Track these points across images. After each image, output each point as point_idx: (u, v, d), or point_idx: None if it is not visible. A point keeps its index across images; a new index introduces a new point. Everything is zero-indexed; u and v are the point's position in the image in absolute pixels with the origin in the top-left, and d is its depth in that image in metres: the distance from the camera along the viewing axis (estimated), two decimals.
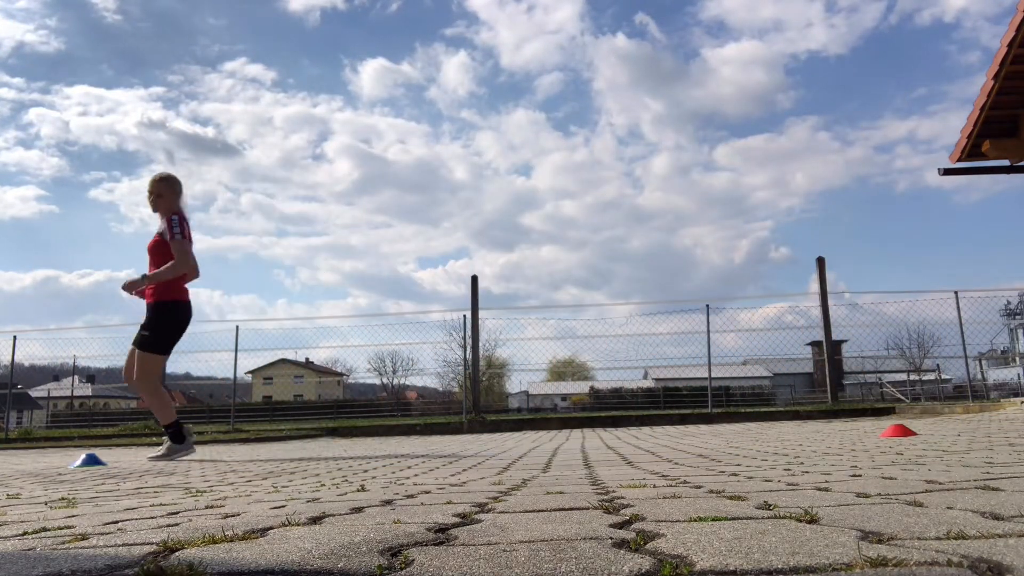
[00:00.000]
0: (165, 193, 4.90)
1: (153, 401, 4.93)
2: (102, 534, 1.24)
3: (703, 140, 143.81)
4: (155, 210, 4.93)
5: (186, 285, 5.03)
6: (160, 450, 5.00)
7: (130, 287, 4.78)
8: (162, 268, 4.71)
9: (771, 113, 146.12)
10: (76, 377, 41.94)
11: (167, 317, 4.82)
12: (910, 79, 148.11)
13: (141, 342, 4.80)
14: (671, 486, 1.80)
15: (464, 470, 2.84)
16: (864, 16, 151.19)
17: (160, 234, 4.83)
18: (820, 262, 12.53)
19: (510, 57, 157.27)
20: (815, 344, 16.17)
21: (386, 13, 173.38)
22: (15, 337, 14.37)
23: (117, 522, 1.42)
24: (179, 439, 4.94)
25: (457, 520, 1.27)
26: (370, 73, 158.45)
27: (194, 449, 5.13)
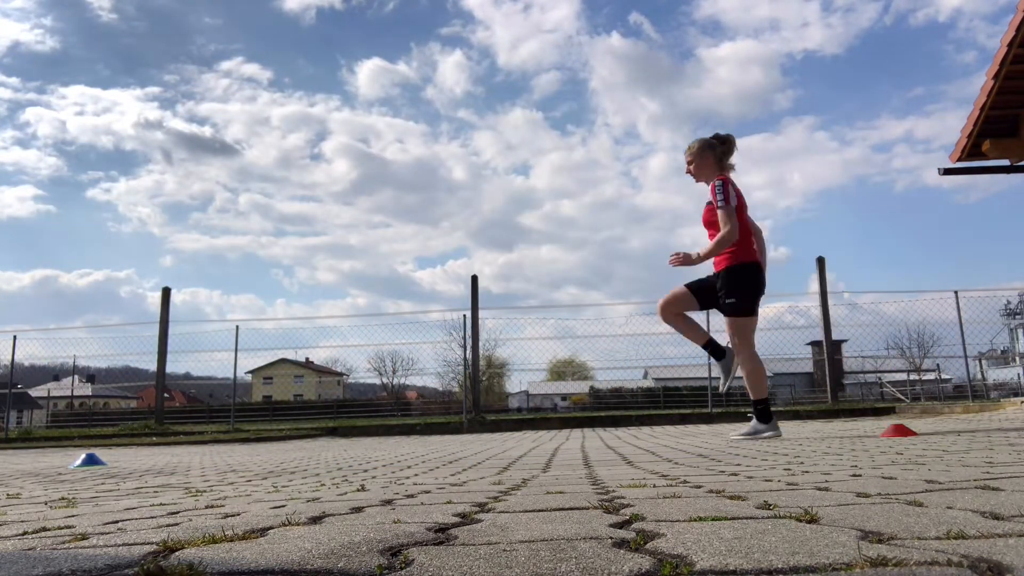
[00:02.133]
0: (697, 160, 4.72)
1: (748, 367, 4.67)
2: (102, 534, 1.24)
3: None
4: (697, 180, 4.77)
5: (762, 255, 4.84)
6: (746, 428, 4.77)
7: (684, 261, 4.64)
8: (715, 240, 4.54)
9: (768, 113, 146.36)
10: (76, 377, 41.93)
11: (744, 278, 4.60)
12: (907, 79, 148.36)
13: (728, 310, 4.62)
14: (671, 486, 1.80)
15: (464, 470, 2.84)
16: (860, 16, 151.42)
17: (709, 203, 4.64)
18: (820, 262, 12.53)
19: (507, 56, 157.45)
20: (815, 344, 16.18)
21: (382, 13, 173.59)
22: (15, 337, 14.39)
23: (117, 522, 1.42)
24: (766, 418, 4.64)
25: (457, 520, 1.27)
26: (367, 73, 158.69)
27: (780, 433, 4.77)
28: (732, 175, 4.77)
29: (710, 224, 4.69)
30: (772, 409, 4.71)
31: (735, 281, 4.60)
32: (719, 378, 4.91)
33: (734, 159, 4.80)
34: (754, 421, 4.68)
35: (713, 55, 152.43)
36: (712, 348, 4.78)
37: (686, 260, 4.61)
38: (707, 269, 4.85)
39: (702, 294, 4.79)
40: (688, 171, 4.80)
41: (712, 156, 4.71)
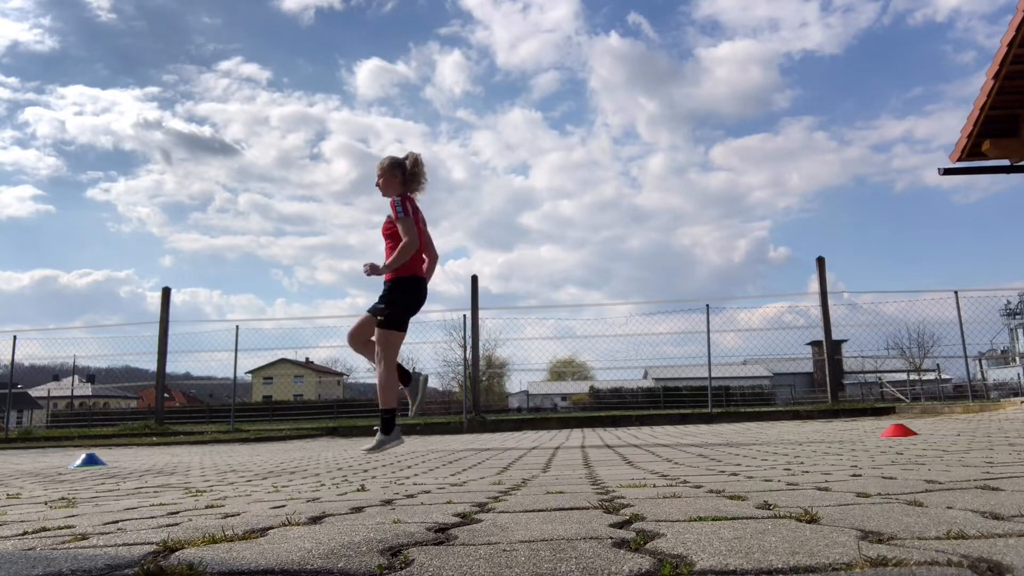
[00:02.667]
0: (383, 176, 4.90)
1: (384, 377, 4.80)
2: (102, 534, 1.24)
3: (699, 140, 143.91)
4: (383, 194, 4.92)
5: (429, 271, 5.05)
6: (372, 441, 4.90)
7: (373, 271, 4.76)
8: (397, 250, 4.68)
9: (767, 113, 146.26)
10: (76, 377, 41.91)
11: (403, 293, 4.79)
12: (906, 79, 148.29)
13: (381, 320, 4.75)
14: (671, 486, 1.80)
15: (464, 470, 2.84)
16: (860, 16, 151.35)
17: (389, 217, 4.81)
18: (820, 262, 12.53)
19: (506, 56, 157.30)
20: (815, 344, 16.17)
21: (381, 12, 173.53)
22: (15, 337, 14.38)
23: (117, 522, 1.42)
24: (389, 428, 4.83)
25: (457, 520, 1.27)
26: (366, 73, 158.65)
27: (403, 440, 5.02)
28: (419, 195, 5.01)
29: (390, 236, 4.86)
30: (394, 421, 4.88)
31: (395, 293, 4.78)
32: (411, 403, 5.06)
33: (423, 182, 5.01)
34: (379, 433, 4.86)
35: (712, 55, 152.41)
36: (389, 417, 4.88)
37: (374, 270, 4.75)
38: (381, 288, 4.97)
39: None
40: (377, 184, 4.97)
41: (400, 175, 4.91)
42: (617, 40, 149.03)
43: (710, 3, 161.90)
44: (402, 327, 4.82)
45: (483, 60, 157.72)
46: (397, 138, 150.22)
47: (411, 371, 5.08)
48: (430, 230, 5.09)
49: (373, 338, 4.87)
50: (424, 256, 5.00)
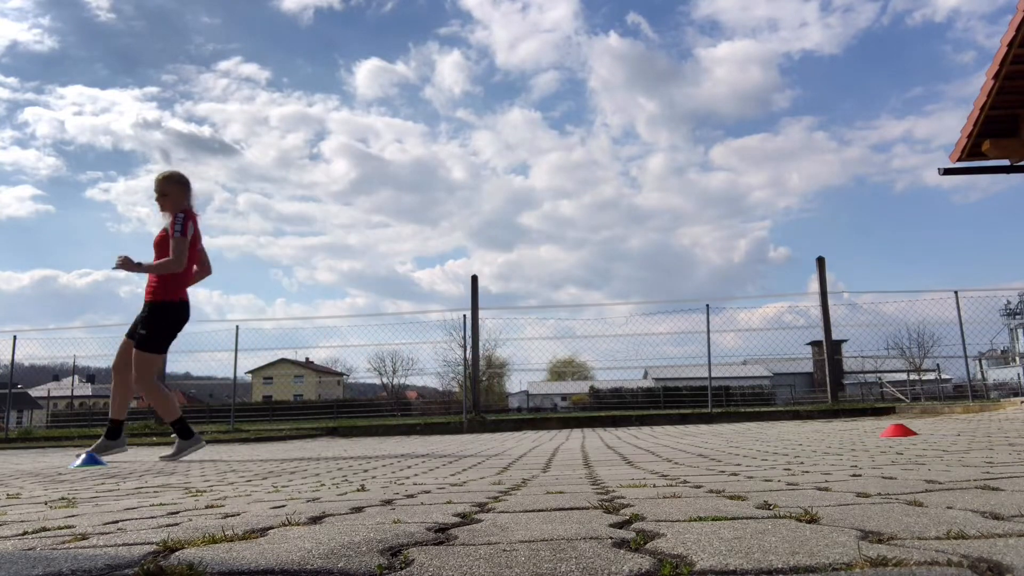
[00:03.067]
0: (171, 192, 4.89)
1: (153, 399, 4.96)
2: (102, 534, 1.24)
3: (699, 140, 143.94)
4: (163, 209, 4.90)
5: (195, 281, 5.06)
6: (171, 449, 5.04)
7: (124, 265, 4.70)
8: (159, 262, 4.71)
9: (767, 113, 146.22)
10: (76, 377, 41.96)
11: (163, 317, 4.81)
12: (906, 79, 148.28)
13: (138, 341, 4.79)
14: (671, 486, 1.80)
15: (464, 470, 2.84)
16: (859, 16, 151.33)
17: (165, 230, 4.82)
18: (820, 262, 12.53)
19: (505, 56, 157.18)
20: (815, 344, 16.17)
21: (380, 12, 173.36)
22: (15, 337, 14.38)
23: (117, 522, 1.42)
24: (186, 435, 4.96)
25: (457, 520, 1.27)
26: (365, 73, 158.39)
27: (203, 443, 5.16)
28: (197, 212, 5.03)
29: (160, 247, 4.85)
30: (187, 427, 4.98)
31: (156, 317, 4.79)
32: (175, 454, 5.01)
33: (195, 200, 5.05)
34: (177, 440, 4.96)
35: (711, 55, 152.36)
36: (181, 425, 4.97)
37: (127, 264, 4.71)
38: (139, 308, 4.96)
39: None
40: (157, 199, 4.94)
41: (184, 191, 4.94)
42: (616, 40, 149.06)
43: (709, 3, 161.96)
44: (163, 350, 4.88)
45: (482, 60, 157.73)
46: (397, 138, 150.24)
47: (193, 433, 5.10)
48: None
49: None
50: (193, 277, 5.03)
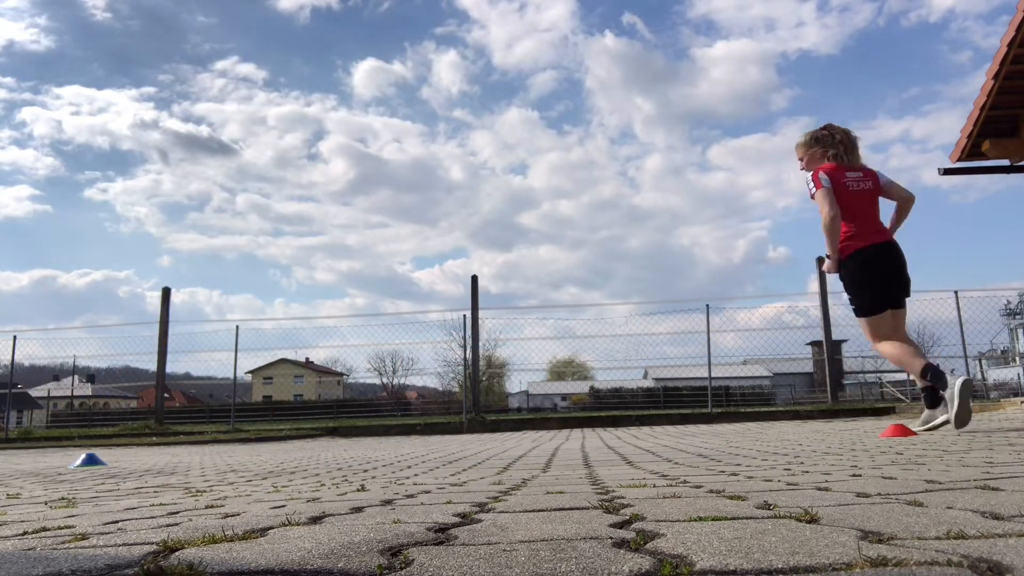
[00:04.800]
0: (801, 152, 4.55)
1: (892, 358, 4.27)
2: (102, 534, 1.24)
3: (696, 140, 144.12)
4: (804, 170, 4.52)
5: (904, 217, 4.46)
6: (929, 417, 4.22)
7: (828, 269, 4.38)
8: (826, 230, 4.24)
9: (764, 113, 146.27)
10: (76, 377, 41.89)
11: (845, 278, 4.34)
12: (903, 79, 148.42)
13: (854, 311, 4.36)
14: (671, 486, 1.80)
15: (464, 470, 2.84)
16: (856, 16, 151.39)
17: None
18: (820, 262, 12.53)
19: (502, 56, 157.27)
20: (815, 344, 16.16)
21: (377, 12, 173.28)
22: (15, 337, 14.38)
23: (117, 522, 1.42)
24: (934, 402, 4.09)
25: (457, 520, 1.27)
26: (363, 73, 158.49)
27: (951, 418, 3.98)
28: None
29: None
30: (936, 392, 4.06)
31: (844, 278, 4.38)
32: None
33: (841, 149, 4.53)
34: (926, 411, 4.24)
35: (707, 55, 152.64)
36: (930, 386, 4.12)
37: (829, 264, 4.35)
38: None
39: None
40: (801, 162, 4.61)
41: (807, 151, 4.55)
42: (612, 40, 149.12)
43: (705, 3, 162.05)
44: (868, 312, 4.30)
45: (479, 60, 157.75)
46: (395, 138, 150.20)
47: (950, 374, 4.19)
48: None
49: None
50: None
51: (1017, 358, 33.65)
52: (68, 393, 39.33)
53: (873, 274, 4.26)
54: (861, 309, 4.31)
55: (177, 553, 0.99)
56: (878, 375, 20.76)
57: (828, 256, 4.32)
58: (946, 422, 4.03)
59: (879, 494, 1.44)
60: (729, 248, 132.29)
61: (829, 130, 4.50)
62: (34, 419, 36.16)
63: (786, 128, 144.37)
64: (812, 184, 4.30)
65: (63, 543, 1.14)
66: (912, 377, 4.43)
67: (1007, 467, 1.98)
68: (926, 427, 4.20)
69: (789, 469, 2.22)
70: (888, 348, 4.24)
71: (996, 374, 33.53)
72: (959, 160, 9.36)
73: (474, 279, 12.51)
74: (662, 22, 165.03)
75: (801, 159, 4.59)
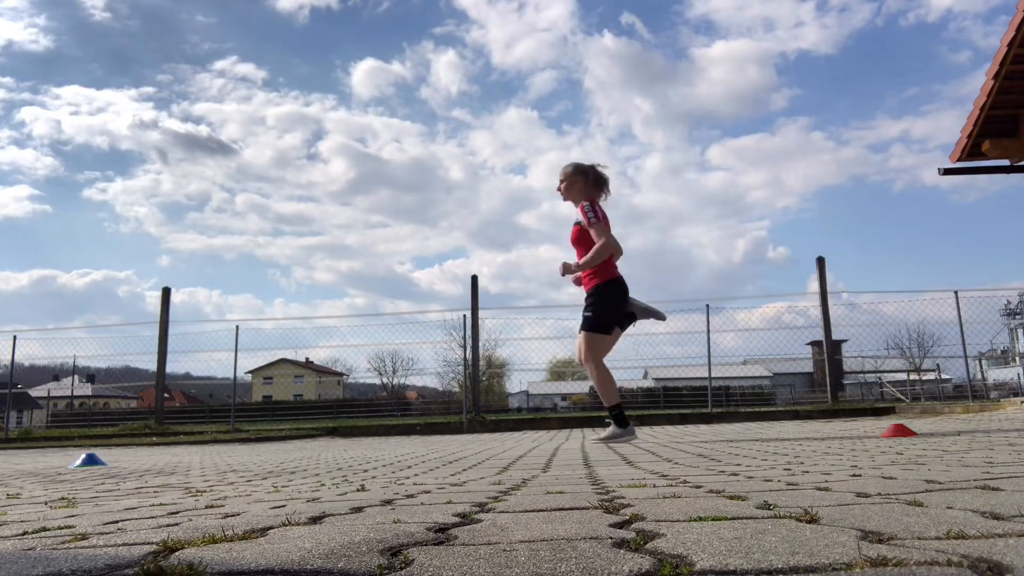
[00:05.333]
0: (572, 180, 4.98)
1: (597, 379, 4.88)
2: (102, 534, 1.24)
3: (695, 140, 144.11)
4: (565, 199, 5.01)
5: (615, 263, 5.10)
6: (604, 432, 4.95)
7: (565, 270, 4.86)
8: (591, 252, 4.74)
9: (764, 113, 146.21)
10: (76, 377, 41.91)
11: (604, 298, 4.82)
12: (902, 79, 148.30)
13: (585, 323, 4.81)
14: (671, 486, 1.80)
15: (464, 470, 2.84)
16: (855, 16, 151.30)
17: (578, 223, 4.88)
18: (820, 262, 12.53)
19: (501, 56, 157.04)
20: (815, 344, 16.17)
21: (375, 12, 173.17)
22: (15, 337, 14.38)
23: (117, 522, 1.42)
24: (622, 423, 4.85)
25: (457, 520, 1.27)
26: (362, 72, 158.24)
27: (635, 435, 5.03)
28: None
29: (580, 241, 4.91)
30: (624, 416, 4.87)
31: (602, 299, 4.82)
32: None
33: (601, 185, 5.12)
34: (612, 427, 4.90)
35: (706, 55, 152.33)
36: (619, 412, 4.86)
37: (570, 268, 4.84)
38: None
39: None
40: (560, 191, 5.07)
41: (582, 179, 4.99)
42: (611, 40, 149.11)
43: (703, 3, 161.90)
44: (607, 330, 4.86)
45: (478, 59, 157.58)
46: (394, 138, 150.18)
47: (629, 423, 4.99)
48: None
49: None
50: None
51: (1017, 358, 33.65)
52: (68, 393, 39.35)
53: (623, 301, 4.91)
54: (603, 326, 4.82)
55: (177, 553, 0.99)
56: (878, 375, 20.76)
57: (575, 266, 4.83)
58: (624, 440, 4.83)
59: (879, 494, 1.44)
60: (729, 248, 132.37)
61: (592, 169, 5.08)
62: (34, 419, 36.17)
63: (786, 128, 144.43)
64: (593, 214, 4.79)
65: (63, 543, 1.14)
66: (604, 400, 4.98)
67: (1007, 467, 1.98)
68: (606, 438, 4.82)
69: (789, 469, 2.22)
70: (603, 370, 4.87)
71: (996, 374, 33.55)
72: (959, 160, 9.36)
73: (474, 279, 12.52)
74: (661, 22, 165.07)
75: (562, 183, 5.05)
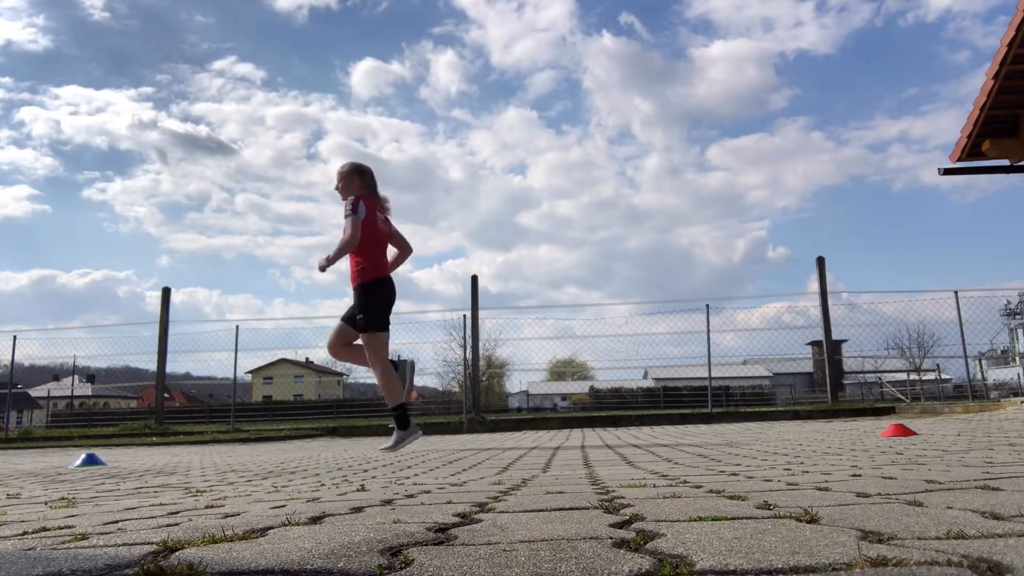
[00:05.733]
0: (346, 179, 5.01)
1: (382, 380, 4.90)
2: (102, 534, 1.24)
3: (695, 140, 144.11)
4: (343, 198, 5.01)
5: (399, 263, 5.22)
6: (389, 440, 4.95)
7: (322, 264, 4.90)
8: (338, 244, 4.78)
9: (763, 113, 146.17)
10: (76, 377, 41.90)
11: (374, 295, 4.85)
12: (901, 79, 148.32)
13: (362, 326, 4.83)
14: (671, 486, 1.80)
15: (464, 470, 2.84)
16: (854, 15, 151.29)
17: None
18: (820, 262, 12.52)
19: (500, 55, 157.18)
20: (815, 344, 16.16)
21: (374, 12, 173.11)
22: (15, 337, 14.37)
23: (117, 522, 1.42)
24: (404, 424, 4.88)
25: (457, 520, 1.27)
26: (361, 72, 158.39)
27: (420, 433, 5.07)
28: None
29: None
30: (407, 416, 4.93)
31: (369, 297, 4.84)
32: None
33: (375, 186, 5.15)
34: (396, 431, 4.90)
35: (705, 55, 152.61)
36: (401, 413, 4.92)
37: (325, 262, 4.88)
38: None
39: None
40: (336, 188, 5.11)
41: (351, 179, 5.03)
42: (611, 40, 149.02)
43: (702, 2, 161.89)
44: (384, 328, 4.90)
45: (478, 59, 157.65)
46: (394, 137, 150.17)
47: (396, 359, 5.13)
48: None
49: (357, 342, 4.97)
50: (386, 254, 5.08)
51: (1017, 358, 33.65)
52: (68, 393, 39.33)
53: (391, 300, 4.97)
54: (379, 325, 4.87)
55: (177, 553, 0.99)
56: (878, 375, 20.76)
57: (328, 259, 4.89)
58: (411, 441, 4.93)
59: (879, 494, 1.44)
60: (728, 248, 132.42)
61: (369, 170, 5.13)
62: (34, 419, 36.16)
63: (785, 128, 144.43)
64: (352, 207, 4.79)
65: (63, 543, 1.14)
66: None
67: (1007, 467, 1.98)
68: (393, 445, 4.87)
69: (789, 469, 2.22)
70: (388, 368, 4.90)
71: (996, 374, 33.54)
72: (959, 160, 9.36)
73: (474, 279, 12.52)
74: (660, 22, 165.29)
75: (340, 182, 5.07)
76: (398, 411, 4.87)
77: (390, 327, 4.94)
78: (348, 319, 4.96)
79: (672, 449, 3.85)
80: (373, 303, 4.84)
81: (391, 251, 5.15)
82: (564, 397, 42.30)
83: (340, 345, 5.03)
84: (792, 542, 0.93)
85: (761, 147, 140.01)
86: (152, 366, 13.60)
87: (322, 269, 4.94)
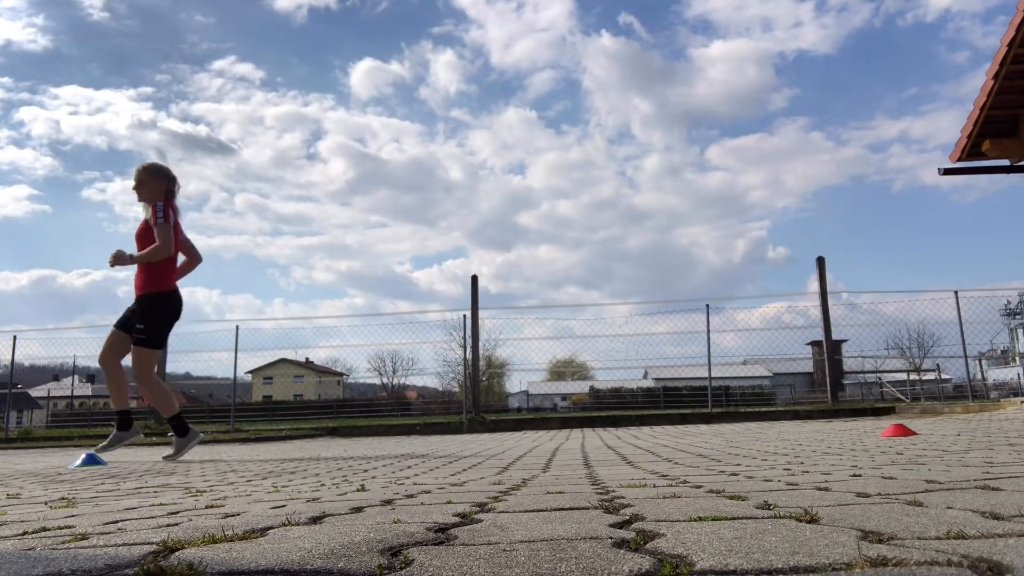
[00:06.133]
0: (147, 181, 4.89)
1: (151, 395, 4.95)
2: (102, 534, 1.24)
3: (694, 140, 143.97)
4: (140, 199, 4.93)
5: (186, 271, 5.10)
6: (171, 449, 5.02)
7: (118, 259, 4.72)
8: (148, 249, 4.69)
9: (762, 113, 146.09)
10: (76, 377, 41.93)
11: (158, 309, 4.81)
12: (900, 79, 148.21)
13: (136, 339, 4.79)
14: (671, 486, 1.80)
15: (464, 470, 2.84)
16: (854, 16, 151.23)
17: (147, 221, 4.84)
18: (820, 262, 12.53)
19: (500, 55, 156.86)
20: (815, 344, 16.16)
21: (374, 12, 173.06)
22: (15, 337, 14.37)
23: (117, 522, 1.42)
24: (183, 432, 4.95)
25: (457, 520, 1.27)
26: (360, 72, 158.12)
27: (200, 436, 5.16)
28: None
29: (142, 239, 4.84)
30: (184, 424, 4.98)
31: (151, 310, 4.81)
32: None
33: (175, 188, 5.04)
34: (175, 439, 5.00)
35: (705, 55, 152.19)
36: (177, 422, 4.95)
37: (120, 258, 4.72)
38: None
39: None
40: (134, 189, 4.97)
41: (161, 181, 4.93)
42: (610, 40, 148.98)
43: (702, 2, 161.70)
44: (159, 345, 4.87)
45: (477, 59, 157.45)
46: (394, 137, 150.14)
47: (190, 429, 5.08)
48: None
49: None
50: (177, 262, 4.99)
51: (1017, 358, 33.66)
52: (68, 393, 39.35)
53: (175, 317, 4.92)
54: (157, 341, 4.83)
55: (177, 553, 0.99)
56: (878, 375, 20.76)
57: (128, 256, 4.71)
58: (192, 446, 5.03)
59: (879, 494, 1.44)
60: (728, 248, 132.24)
61: (173, 174, 5.02)
62: (34, 419, 36.17)
63: (785, 128, 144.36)
64: (164, 215, 4.72)
65: (63, 543, 1.14)
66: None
67: (1007, 467, 1.98)
68: (175, 453, 4.93)
69: (789, 469, 2.22)
70: (157, 383, 4.94)
71: (996, 374, 33.54)
72: (959, 160, 9.37)
73: (474, 279, 12.52)
74: (659, 22, 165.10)
75: (142, 184, 4.90)
76: (175, 420, 4.91)
77: (166, 345, 4.89)
78: (124, 326, 4.86)
79: (672, 449, 3.85)
80: (158, 318, 4.80)
81: (180, 258, 5.06)
82: (564, 397, 42.31)
83: (115, 356, 4.93)
84: (792, 542, 0.93)
85: (761, 147, 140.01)
86: None
87: (113, 264, 4.73)
